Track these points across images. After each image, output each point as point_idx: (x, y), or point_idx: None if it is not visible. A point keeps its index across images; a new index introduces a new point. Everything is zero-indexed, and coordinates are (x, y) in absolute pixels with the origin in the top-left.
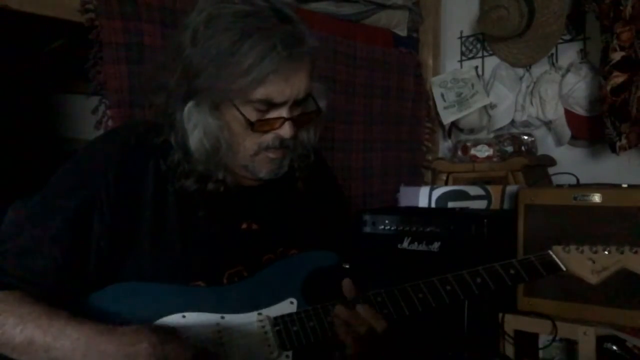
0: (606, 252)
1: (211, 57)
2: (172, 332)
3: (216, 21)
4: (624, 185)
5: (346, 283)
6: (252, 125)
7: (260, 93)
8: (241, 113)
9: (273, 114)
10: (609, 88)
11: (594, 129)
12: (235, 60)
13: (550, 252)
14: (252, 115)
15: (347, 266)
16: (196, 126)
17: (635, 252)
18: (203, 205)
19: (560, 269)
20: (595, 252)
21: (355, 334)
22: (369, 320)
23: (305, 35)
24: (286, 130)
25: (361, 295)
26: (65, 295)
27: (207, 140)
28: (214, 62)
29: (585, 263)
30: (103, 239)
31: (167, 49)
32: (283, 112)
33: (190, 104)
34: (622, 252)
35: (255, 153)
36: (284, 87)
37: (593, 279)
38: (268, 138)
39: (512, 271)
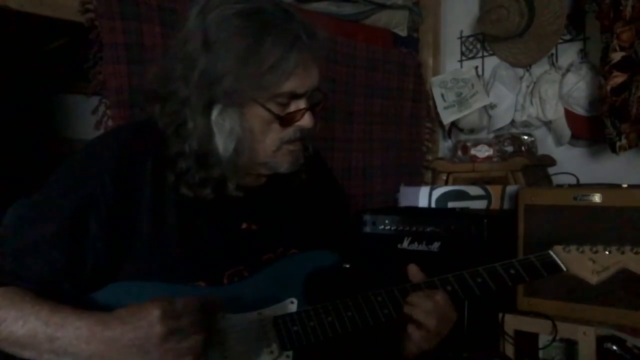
0: (607, 252)
1: (232, 59)
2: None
3: (226, 23)
4: (624, 185)
5: (412, 269)
6: (281, 120)
7: (286, 86)
8: (268, 110)
9: (293, 107)
10: (609, 88)
11: (594, 129)
12: (259, 57)
13: (551, 253)
14: (277, 111)
15: (347, 266)
16: (230, 132)
17: (636, 253)
18: (203, 206)
19: (561, 269)
20: (596, 252)
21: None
22: (444, 307)
23: (314, 25)
24: (307, 121)
25: (434, 279)
26: (65, 295)
27: (237, 144)
28: (236, 64)
29: (585, 263)
30: (100, 239)
31: (173, 58)
32: (302, 104)
33: (216, 111)
34: (622, 253)
35: (277, 148)
36: (305, 77)
37: (593, 279)
38: (289, 131)
39: (512, 271)
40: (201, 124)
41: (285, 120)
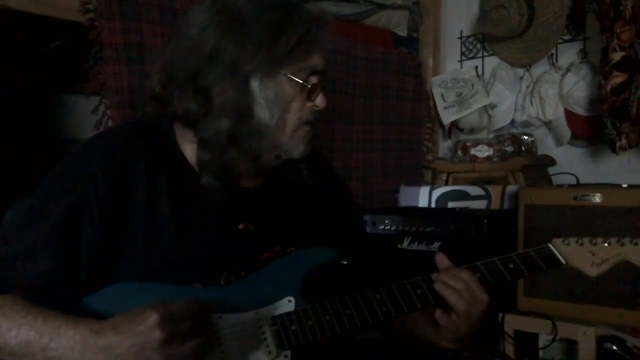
0: (606, 244)
1: (264, 34)
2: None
3: (252, 4)
4: (624, 185)
5: (440, 258)
6: (309, 90)
7: (310, 60)
8: (297, 80)
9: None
10: (609, 88)
11: (594, 129)
12: (290, 30)
13: (550, 245)
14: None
15: (345, 262)
16: (274, 101)
17: (635, 244)
18: (199, 207)
19: (560, 262)
20: (595, 245)
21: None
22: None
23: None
24: (321, 100)
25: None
26: (59, 299)
27: (281, 112)
28: (269, 38)
29: (584, 256)
30: (94, 241)
31: (194, 56)
32: (316, 80)
33: (255, 84)
34: (622, 244)
35: (296, 128)
36: (322, 55)
37: (592, 272)
38: (307, 112)
39: (511, 265)
40: (236, 100)
41: (310, 91)
